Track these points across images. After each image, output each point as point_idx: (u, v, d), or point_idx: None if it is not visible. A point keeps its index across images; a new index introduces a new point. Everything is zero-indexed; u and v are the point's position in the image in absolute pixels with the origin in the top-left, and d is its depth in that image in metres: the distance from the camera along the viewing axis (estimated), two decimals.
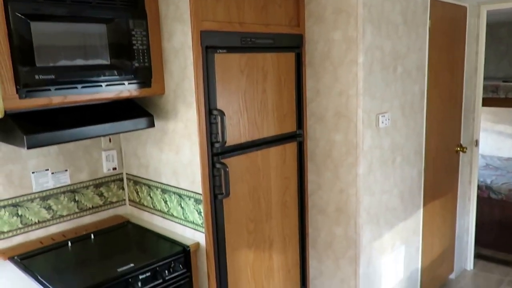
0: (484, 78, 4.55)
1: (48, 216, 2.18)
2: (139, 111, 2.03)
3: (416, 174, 2.79)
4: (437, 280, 3.33)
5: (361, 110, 2.24)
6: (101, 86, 1.78)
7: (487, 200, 4.00)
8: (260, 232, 2.26)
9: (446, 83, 3.07)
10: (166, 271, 1.92)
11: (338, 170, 2.39)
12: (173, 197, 2.18)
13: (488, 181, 4.10)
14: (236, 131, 2.08)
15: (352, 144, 2.30)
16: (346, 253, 2.42)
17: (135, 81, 1.90)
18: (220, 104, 1.99)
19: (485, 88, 4.19)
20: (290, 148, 2.39)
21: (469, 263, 3.73)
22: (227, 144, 2.03)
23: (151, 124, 2.03)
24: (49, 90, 1.64)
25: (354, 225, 2.36)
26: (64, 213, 2.24)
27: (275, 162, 2.31)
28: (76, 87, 1.70)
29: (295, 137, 2.41)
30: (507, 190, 3.91)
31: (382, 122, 2.37)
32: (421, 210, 2.92)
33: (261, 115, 2.19)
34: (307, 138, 2.49)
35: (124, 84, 1.86)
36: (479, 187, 4.05)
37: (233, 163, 2.08)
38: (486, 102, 4.12)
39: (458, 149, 3.33)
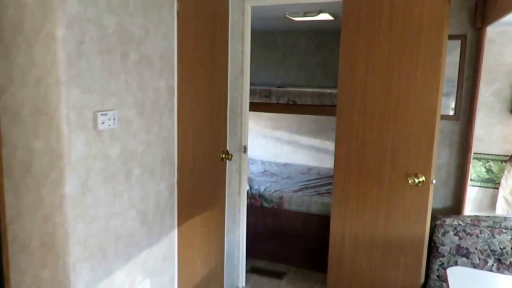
0: (261, 84, 4.47)
1: None
2: None
3: (165, 189, 2.29)
4: None
5: (64, 106, 1.60)
6: None
7: (260, 209, 3.84)
8: None
9: (205, 82, 2.68)
10: None
11: (41, 189, 1.70)
12: None
13: (262, 189, 3.95)
14: None
15: (56, 153, 1.64)
16: None
17: None
18: None
19: (259, 92, 4.08)
20: None
21: (241, 280, 3.45)
22: None
23: None
24: None
25: (63, 265, 1.70)
26: None
27: None
28: None
29: None
30: (278, 198, 3.80)
31: (103, 123, 1.77)
32: (175, 231, 2.43)
33: None
34: (1, 144, 1.74)
35: None
36: (253, 196, 3.86)
37: None
38: (259, 107, 4.01)
39: (224, 156, 2.99)
